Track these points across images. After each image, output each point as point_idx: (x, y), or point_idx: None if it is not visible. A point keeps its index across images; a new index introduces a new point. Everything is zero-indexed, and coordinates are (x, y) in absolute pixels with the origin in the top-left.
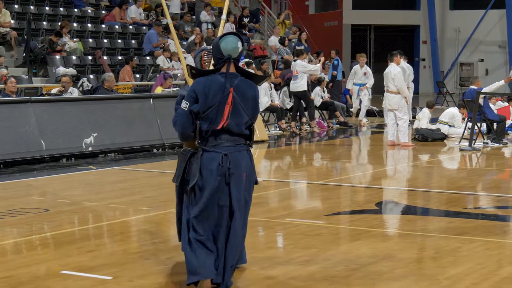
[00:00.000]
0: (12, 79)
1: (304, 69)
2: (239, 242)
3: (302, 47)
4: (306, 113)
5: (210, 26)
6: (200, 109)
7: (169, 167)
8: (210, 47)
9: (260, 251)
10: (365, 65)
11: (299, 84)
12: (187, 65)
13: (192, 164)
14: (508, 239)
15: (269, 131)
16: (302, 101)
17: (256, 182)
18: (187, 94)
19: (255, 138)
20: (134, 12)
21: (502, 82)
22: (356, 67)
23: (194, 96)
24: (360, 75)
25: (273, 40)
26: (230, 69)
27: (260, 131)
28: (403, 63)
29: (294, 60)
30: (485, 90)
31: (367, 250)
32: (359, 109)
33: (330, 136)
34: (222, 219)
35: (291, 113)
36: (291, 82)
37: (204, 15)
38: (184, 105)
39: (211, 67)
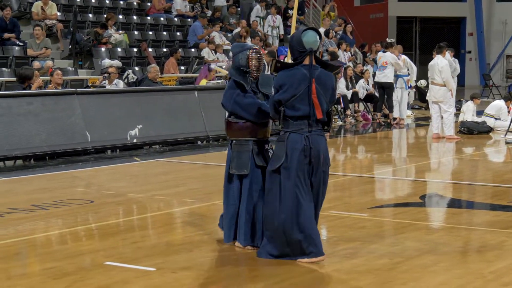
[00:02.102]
0: (58, 71)
1: (393, 61)
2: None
3: (393, 40)
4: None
5: (258, 19)
6: (284, 97)
7: (214, 159)
8: (256, 46)
9: None
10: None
11: (387, 75)
12: (273, 59)
13: (276, 148)
14: None
15: None
16: (385, 92)
17: (329, 164)
18: (274, 85)
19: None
20: (180, 4)
21: None
22: None
23: (278, 87)
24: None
25: (321, 32)
26: (309, 61)
27: None
28: (448, 56)
29: (384, 51)
30: None
31: (412, 243)
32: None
33: (374, 128)
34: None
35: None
36: (378, 72)
37: (258, 10)
38: (271, 92)
39: (256, 66)
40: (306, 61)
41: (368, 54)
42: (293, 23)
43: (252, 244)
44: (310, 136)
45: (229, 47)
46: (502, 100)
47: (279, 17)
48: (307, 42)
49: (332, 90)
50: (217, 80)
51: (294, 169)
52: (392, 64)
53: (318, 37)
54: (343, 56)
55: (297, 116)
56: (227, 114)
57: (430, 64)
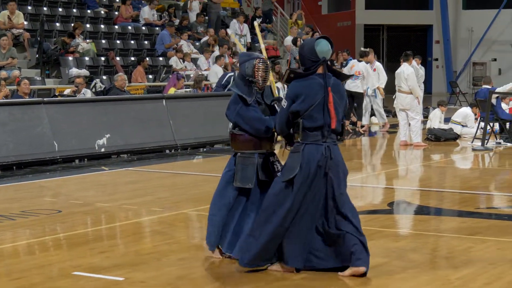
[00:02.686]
0: (26, 80)
1: (366, 72)
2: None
3: (367, 49)
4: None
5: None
6: (302, 108)
7: (182, 168)
8: (262, 55)
9: None
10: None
11: (358, 85)
12: (287, 69)
13: (289, 159)
14: None
15: None
16: (355, 101)
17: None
18: (286, 95)
19: (279, 138)
20: (147, 13)
21: None
22: None
23: (293, 97)
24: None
25: (289, 40)
26: (323, 71)
27: None
28: (415, 64)
29: (359, 61)
30: (499, 90)
31: (380, 250)
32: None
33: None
34: (317, 209)
35: None
36: (350, 81)
37: (234, 24)
38: (284, 103)
39: (262, 76)
40: (319, 70)
41: (334, 61)
42: (260, 39)
43: (230, 254)
44: (330, 146)
45: (197, 56)
46: (468, 107)
47: (246, 25)
48: (321, 51)
49: (345, 99)
50: (185, 88)
51: (307, 183)
52: (364, 75)
53: (330, 46)
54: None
55: (314, 127)
56: (231, 125)
57: (396, 72)
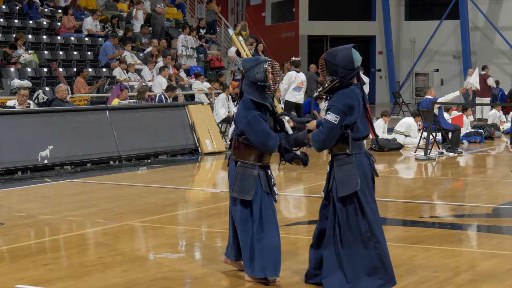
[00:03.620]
0: None
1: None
2: None
3: (299, 58)
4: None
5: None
6: (354, 119)
7: (126, 179)
8: (269, 58)
9: (219, 262)
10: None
11: (301, 96)
12: (333, 78)
13: (342, 172)
14: (463, 247)
15: (226, 142)
16: (296, 112)
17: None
18: (337, 108)
19: (212, 150)
20: (90, 24)
21: (457, 92)
22: None
23: (347, 110)
24: None
25: (233, 51)
26: (359, 79)
27: (217, 142)
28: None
29: (298, 72)
30: (441, 100)
31: None
32: None
33: None
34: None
35: None
36: (294, 92)
37: (181, 36)
38: (334, 118)
39: (275, 80)
40: (354, 80)
41: (281, 73)
42: (237, 44)
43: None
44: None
45: (141, 67)
46: (411, 117)
47: (191, 37)
48: (357, 60)
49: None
50: (129, 99)
51: (368, 192)
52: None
53: None
54: None
55: (358, 137)
56: (235, 131)
57: None
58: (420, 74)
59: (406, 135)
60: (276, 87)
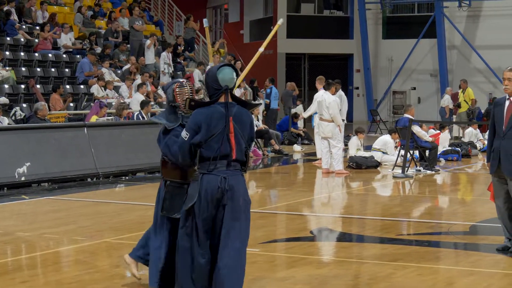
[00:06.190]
0: None
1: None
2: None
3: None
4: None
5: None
6: (202, 138)
7: (104, 196)
8: (182, 79)
9: None
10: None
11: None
12: (187, 98)
13: (190, 188)
14: (440, 264)
15: None
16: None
17: (249, 202)
18: (188, 126)
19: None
20: (65, 39)
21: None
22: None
23: (195, 128)
24: None
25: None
26: (225, 99)
27: None
28: (341, 93)
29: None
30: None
31: (303, 277)
32: None
33: (265, 164)
34: (216, 239)
35: None
36: None
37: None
38: (185, 135)
39: (184, 100)
40: (222, 99)
41: (261, 90)
42: (207, 37)
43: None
44: (228, 177)
45: (119, 84)
46: (388, 135)
47: (169, 54)
48: (223, 80)
49: (250, 128)
50: (107, 116)
51: (205, 212)
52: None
53: (234, 74)
54: (235, 92)
55: (214, 157)
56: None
57: (318, 100)
58: (397, 92)
59: (383, 152)
60: (183, 106)
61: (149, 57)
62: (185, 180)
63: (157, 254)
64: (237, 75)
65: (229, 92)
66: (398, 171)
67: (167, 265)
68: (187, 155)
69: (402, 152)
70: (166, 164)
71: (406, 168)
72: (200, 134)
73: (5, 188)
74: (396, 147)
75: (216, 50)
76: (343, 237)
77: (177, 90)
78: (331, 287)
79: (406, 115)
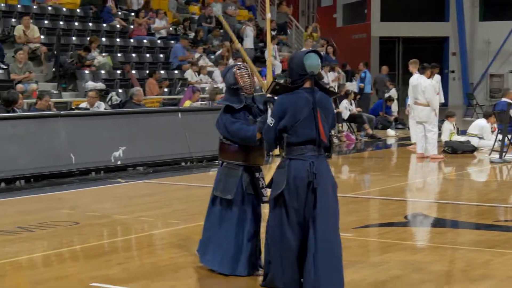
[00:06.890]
0: (47, 97)
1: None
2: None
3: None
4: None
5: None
6: (288, 124)
7: (197, 180)
8: (240, 62)
9: None
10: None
11: None
12: (272, 81)
13: (276, 174)
14: None
15: None
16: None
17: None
18: (274, 112)
19: (277, 152)
20: (159, 25)
21: None
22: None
23: (281, 114)
24: None
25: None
26: (311, 85)
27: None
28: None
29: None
30: None
31: (397, 263)
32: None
33: (358, 149)
34: (307, 225)
35: None
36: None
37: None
38: (270, 121)
39: (245, 81)
40: (307, 85)
41: (356, 74)
42: (269, 46)
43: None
44: (316, 162)
45: (212, 69)
46: (483, 119)
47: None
48: (310, 66)
49: (332, 114)
50: (200, 101)
51: (295, 198)
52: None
53: (320, 60)
54: (327, 77)
55: (300, 142)
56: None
57: (413, 84)
58: (495, 75)
59: (480, 137)
60: (250, 88)
61: (247, 42)
62: (241, 162)
63: (207, 234)
64: (322, 61)
65: (314, 78)
66: (496, 156)
67: (238, 249)
68: (272, 140)
69: (500, 136)
70: (223, 146)
71: (504, 153)
72: (286, 120)
73: (102, 172)
74: (492, 131)
75: (309, 34)
76: (438, 223)
77: (238, 71)
78: (427, 273)
79: (504, 99)
